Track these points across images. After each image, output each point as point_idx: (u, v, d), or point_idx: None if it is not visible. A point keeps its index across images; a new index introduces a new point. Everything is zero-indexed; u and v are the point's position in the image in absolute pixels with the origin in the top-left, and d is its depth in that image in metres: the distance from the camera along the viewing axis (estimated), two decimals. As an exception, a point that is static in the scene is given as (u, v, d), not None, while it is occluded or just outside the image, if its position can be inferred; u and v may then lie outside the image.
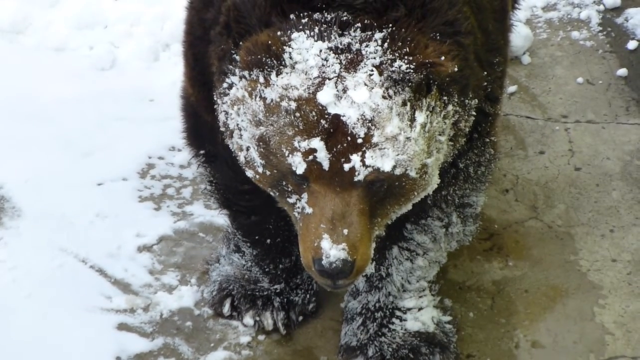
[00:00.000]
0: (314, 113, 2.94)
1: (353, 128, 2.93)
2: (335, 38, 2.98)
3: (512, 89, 5.61)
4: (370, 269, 3.76)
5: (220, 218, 4.39)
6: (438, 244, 3.80)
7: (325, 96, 2.92)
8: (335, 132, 2.94)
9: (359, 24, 3.00)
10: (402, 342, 3.89)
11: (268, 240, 3.96)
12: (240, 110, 3.10)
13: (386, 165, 2.98)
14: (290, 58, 2.98)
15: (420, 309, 3.95)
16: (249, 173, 3.23)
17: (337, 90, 2.93)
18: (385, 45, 2.97)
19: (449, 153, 3.28)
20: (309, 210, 3.10)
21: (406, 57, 2.95)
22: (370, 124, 2.93)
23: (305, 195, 3.10)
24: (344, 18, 3.01)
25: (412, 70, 2.94)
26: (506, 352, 4.02)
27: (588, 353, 4.01)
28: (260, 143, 3.07)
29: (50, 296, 4.16)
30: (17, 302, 4.12)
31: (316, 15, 3.02)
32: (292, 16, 3.02)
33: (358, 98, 2.92)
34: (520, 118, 5.40)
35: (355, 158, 2.96)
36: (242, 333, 4.09)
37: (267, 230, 3.94)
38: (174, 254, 4.47)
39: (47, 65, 5.75)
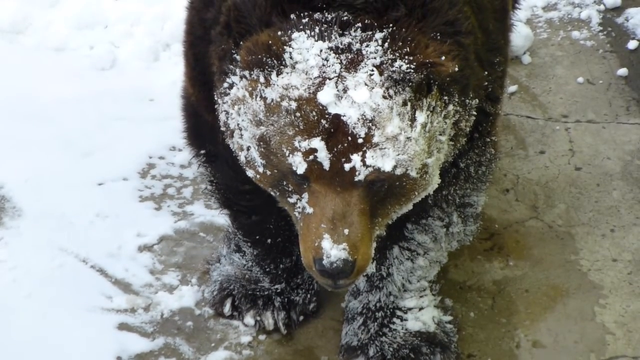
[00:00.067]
0: (314, 113, 2.94)
1: (353, 128, 2.93)
2: (336, 38, 2.98)
3: (512, 88, 5.61)
4: (371, 268, 3.77)
5: (220, 218, 4.39)
6: (439, 244, 3.80)
7: (325, 96, 2.92)
8: (336, 132, 2.94)
9: (359, 24, 2.99)
10: (403, 341, 3.89)
11: (269, 240, 3.96)
12: (240, 110, 3.10)
13: (387, 165, 2.97)
14: (291, 58, 2.98)
15: (421, 308, 3.95)
16: (250, 173, 3.23)
17: (338, 90, 2.93)
18: (386, 45, 2.97)
19: (449, 153, 3.28)
20: (309, 210, 3.10)
21: (407, 57, 2.95)
22: (370, 124, 2.93)
23: (305, 195, 3.10)
24: (345, 18, 3.01)
25: (412, 70, 2.94)
26: (507, 352, 4.02)
27: (589, 353, 4.01)
28: (261, 143, 3.07)
29: (50, 296, 4.16)
30: (18, 302, 4.12)
31: (317, 15, 3.02)
32: (292, 16, 3.02)
33: (358, 98, 2.92)
34: (520, 118, 5.40)
35: (356, 158, 2.96)
36: (243, 333, 4.09)
37: (267, 230, 3.94)
38: (175, 254, 4.47)
39: (47, 65, 5.75)
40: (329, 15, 3.01)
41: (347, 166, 2.97)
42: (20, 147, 5.01)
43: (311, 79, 2.95)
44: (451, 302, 4.14)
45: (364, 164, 2.96)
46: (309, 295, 4.13)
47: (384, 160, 2.97)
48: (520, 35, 5.76)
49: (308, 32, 2.99)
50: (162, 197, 4.81)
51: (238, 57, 3.06)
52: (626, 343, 4.04)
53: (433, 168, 3.14)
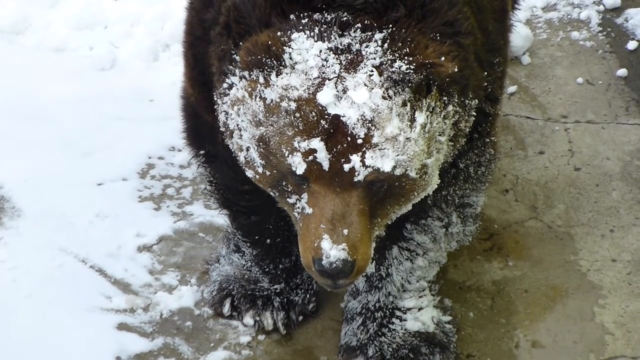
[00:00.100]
0: (313, 113, 2.94)
1: (353, 128, 2.94)
2: (335, 38, 2.99)
3: (512, 89, 5.61)
4: (370, 268, 3.77)
5: (220, 218, 4.39)
6: (438, 244, 3.80)
7: (325, 97, 2.92)
8: (335, 132, 2.94)
9: (359, 25, 3.00)
10: (402, 342, 3.89)
11: (268, 240, 3.96)
12: (240, 111, 3.10)
13: (386, 166, 2.98)
14: (290, 58, 2.98)
15: (420, 308, 3.96)
16: (249, 173, 3.23)
17: (337, 91, 2.93)
18: (385, 45, 2.97)
19: (449, 153, 3.28)
20: (309, 210, 3.10)
21: (406, 58, 2.96)
22: (370, 125, 2.94)
23: (305, 196, 3.10)
24: (344, 18, 3.01)
25: (412, 71, 2.94)
26: (506, 352, 4.03)
27: (588, 353, 4.01)
28: (260, 143, 3.07)
29: (50, 296, 4.16)
30: (17, 302, 4.12)
31: (316, 16, 3.02)
32: (292, 16, 3.02)
33: (358, 98, 2.92)
34: (520, 118, 5.41)
35: (355, 158, 2.96)
36: (242, 333, 4.09)
37: (267, 230, 3.94)
38: (174, 254, 4.48)
39: (47, 65, 5.75)
40: (329, 16, 3.01)
41: (346, 167, 2.97)
42: (20, 147, 5.01)
43: (311, 79, 2.95)
44: (450, 302, 4.14)
45: (364, 165, 2.97)
46: (308, 296, 4.13)
47: (383, 161, 2.97)
48: (519, 36, 5.76)
49: (307, 32, 2.99)
50: (162, 197, 4.82)
51: (237, 58, 3.06)
52: (625, 343, 4.04)
53: (432, 168, 3.15)
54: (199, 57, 3.42)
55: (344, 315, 4.05)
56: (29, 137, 5.08)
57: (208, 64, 3.32)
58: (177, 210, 4.74)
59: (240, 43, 3.07)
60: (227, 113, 3.17)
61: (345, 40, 2.98)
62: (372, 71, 2.94)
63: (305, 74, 2.96)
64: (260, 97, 3.02)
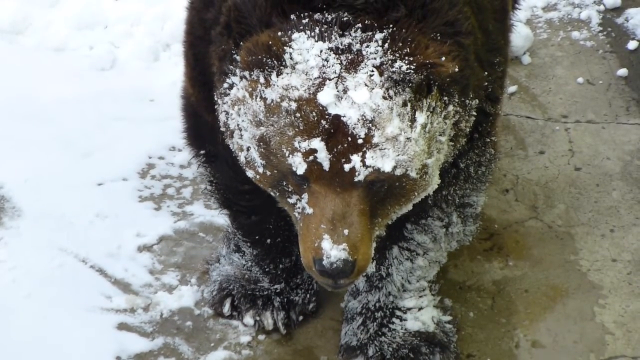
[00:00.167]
0: (314, 113, 2.94)
1: (353, 128, 2.93)
2: (336, 38, 2.98)
3: (512, 89, 5.61)
4: (370, 268, 3.77)
5: (220, 218, 4.39)
6: (438, 244, 3.80)
7: (325, 97, 2.92)
8: (336, 132, 2.94)
9: (359, 25, 3.00)
10: (402, 341, 3.89)
11: (268, 240, 3.96)
12: (240, 111, 3.10)
13: (386, 166, 2.98)
14: (291, 58, 2.98)
15: (420, 308, 3.96)
16: (250, 173, 3.23)
17: (338, 91, 2.93)
18: (386, 45, 2.97)
19: (449, 153, 3.28)
20: (309, 210, 3.10)
21: (407, 58, 2.96)
22: (370, 125, 2.93)
23: (305, 196, 3.10)
24: (345, 18, 3.01)
25: (412, 71, 2.94)
26: (506, 352, 4.03)
27: (588, 353, 4.01)
28: (261, 143, 3.07)
29: (50, 296, 4.16)
30: (17, 302, 4.12)
31: (317, 16, 3.02)
32: (292, 16, 3.02)
33: (358, 98, 2.92)
34: (520, 118, 5.41)
35: (356, 158, 2.96)
36: (243, 333, 4.09)
37: (267, 230, 3.94)
38: (174, 254, 4.47)
39: (47, 65, 5.75)
40: (329, 16, 3.01)
41: (347, 167, 2.97)
42: (20, 147, 5.01)
43: (311, 79, 2.95)
44: (450, 302, 4.14)
45: (364, 165, 2.96)
46: (308, 295, 4.13)
47: (383, 161, 2.97)
48: (520, 36, 5.76)
49: (308, 32, 2.99)
50: (162, 197, 4.82)
51: (238, 58, 3.06)
52: (625, 343, 4.04)
53: (433, 168, 3.14)
54: (200, 57, 3.42)
55: (344, 315, 4.05)
56: (29, 137, 5.08)
57: (208, 64, 3.32)
58: (178, 210, 4.74)
59: (241, 43, 3.07)
60: (227, 113, 3.17)
61: (346, 40, 2.98)
62: (372, 71, 2.94)
63: (306, 74, 2.96)
64: (261, 97, 3.02)
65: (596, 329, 4.10)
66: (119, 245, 4.48)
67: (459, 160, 3.54)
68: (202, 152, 3.82)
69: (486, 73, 3.39)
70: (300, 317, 4.12)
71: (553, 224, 4.65)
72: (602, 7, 6.30)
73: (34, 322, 4.04)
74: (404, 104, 2.97)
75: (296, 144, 2.97)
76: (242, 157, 3.21)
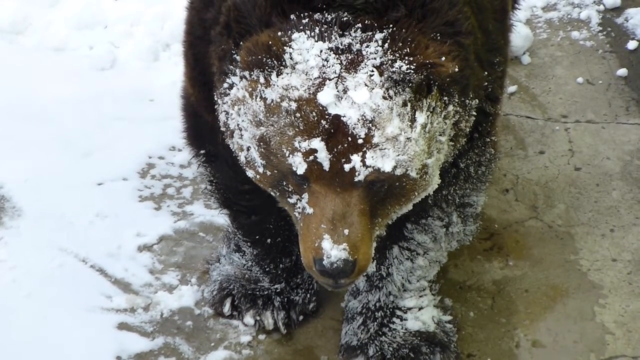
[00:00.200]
0: (314, 113, 2.94)
1: (353, 128, 2.93)
2: (336, 38, 2.98)
3: (512, 88, 5.61)
4: (371, 268, 3.77)
5: (220, 218, 4.39)
6: (438, 244, 3.80)
7: (325, 97, 2.92)
8: (336, 132, 2.94)
9: (359, 25, 3.00)
10: (402, 341, 3.89)
11: (268, 240, 3.96)
12: (240, 111, 3.10)
13: (387, 166, 2.98)
14: (291, 58, 2.98)
15: (420, 308, 3.96)
16: (250, 173, 3.23)
17: (338, 91, 2.93)
18: (386, 45, 2.97)
19: (449, 153, 3.28)
20: (309, 210, 3.10)
21: (407, 58, 2.96)
22: (370, 125, 2.93)
23: (305, 196, 3.10)
24: (345, 18, 3.01)
25: (412, 71, 2.94)
26: (507, 352, 4.03)
27: (588, 352, 4.01)
28: (261, 143, 3.07)
29: (50, 296, 4.16)
30: (17, 302, 4.12)
31: (317, 16, 3.02)
32: (292, 16, 3.02)
33: (358, 98, 2.92)
34: (520, 118, 5.41)
35: (356, 158, 2.96)
36: (243, 332, 4.09)
37: (267, 229, 3.94)
38: (174, 254, 4.48)
39: (47, 65, 5.75)
40: (329, 16, 3.01)
41: (347, 167, 2.97)
42: (19, 147, 5.01)
43: (311, 79, 2.95)
44: (451, 302, 4.15)
45: (364, 165, 2.96)
46: (308, 295, 4.13)
47: (383, 161, 2.97)
48: (519, 36, 5.76)
49: (308, 32, 2.99)
50: (162, 197, 4.82)
51: (238, 58, 3.06)
52: (626, 343, 4.04)
53: (433, 168, 3.14)
54: (200, 57, 3.42)
55: (345, 314, 4.05)
56: (29, 137, 5.08)
57: (208, 64, 3.32)
58: (178, 209, 4.74)
59: (241, 43, 3.07)
60: (227, 113, 3.17)
61: (346, 40, 2.98)
62: (372, 71, 2.94)
63: (306, 74, 2.96)
64: (261, 97, 3.02)
65: (596, 329, 4.10)
66: (119, 245, 4.48)
67: (459, 160, 3.54)
68: (202, 152, 3.82)
69: (486, 73, 3.39)
70: (301, 317, 4.13)
71: (553, 224, 4.65)
72: (601, 7, 6.31)
73: (34, 322, 4.04)
74: (404, 104, 2.97)
75: (296, 144, 2.97)
76: (242, 157, 3.21)
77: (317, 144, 2.95)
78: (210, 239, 4.55)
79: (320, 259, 3.06)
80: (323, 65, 2.95)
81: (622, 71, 5.71)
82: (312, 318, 4.15)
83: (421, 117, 3.00)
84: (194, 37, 3.48)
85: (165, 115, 5.07)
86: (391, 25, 3.00)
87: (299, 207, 3.15)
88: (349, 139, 2.94)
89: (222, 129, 3.27)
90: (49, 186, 4.77)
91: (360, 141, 2.94)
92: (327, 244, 3.04)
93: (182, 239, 4.56)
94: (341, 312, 4.10)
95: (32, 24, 6.10)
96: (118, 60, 5.85)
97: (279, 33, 3.00)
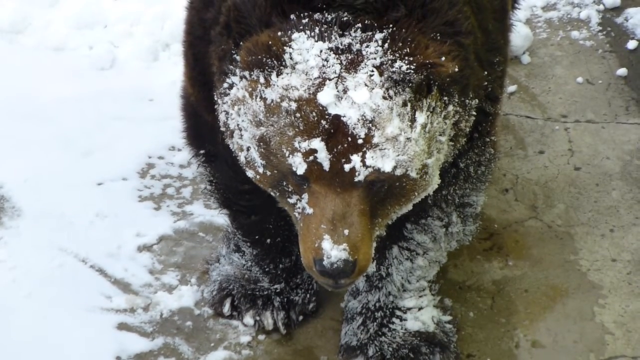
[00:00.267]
0: (314, 113, 2.94)
1: (353, 128, 2.93)
2: (336, 38, 2.98)
3: (511, 88, 5.61)
4: (371, 268, 3.77)
5: (220, 218, 4.39)
6: (438, 244, 3.80)
7: (325, 97, 2.92)
8: (336, 132, 2.94)
9: (359, 25, 2.99)
10: (402, 341, 3.89)
11: (268, 240, 3.96)
12: (240, 111, 3.10)
13: (387, 166, 2.98)
14: (291, 58, 2.98)
15: (420, 308, 3.96)
16: (250, 173, 3.23)
17: (338, 91, 2.93)
18: (386, 45, 2.97)
19: (449, 153, 3.28)
20: (309, 210, 3.10)
21: (407, 58, 2.95)
22: (370, 125, 2.93)
23: (305, 196, 3.10)
24: (345, 18, 3.00)
25: (412, 71, 2.94)
26: (506, 352, 4.03)
27: (588, 353, 4.01)
28: (261, 143, 3.07)
29: (50, 296, 4.16)
30: (17, 302, 4.12)
31: (317, 16, 3.02)
32: (292, 16, 3.02)
33: (358, 99, 2.92)
34: (520, 118, 5.41)
35: (356, 158, 2.96)
36: (242, 333, 4.09)
37: (267, 230, 3.94)
38: (174, 254, 4.47)
39: (47, 65, 5.75)
40: (329, 16, 3.01)
41: (347, 167, 2.97)
42: (19, 146, 5.01)
43: (311, 79, 2.95)
44: (450, 302, 4.15)
45: (364, 165, 2.96)
46: (308, 295, 4.13)
47: (383, 161, 2.97)
48: (519, 35, 5.76)
49: (308, 32, 2.98)
50: (162, 197, 4.82)
51: (238, 58, 3.06)
52: (625, 343, 4.04)
53: (433, 168, 3.14)
54: (199, 57, 3.42)
55: (344, 315, 4.05)
56: (29, 136, 5.08)
57: (208, 64, 3.32)
58: (177, 209, 4.74)
59: (241, 43, 3.06)
60: (227, 113, 3.17)
61: (346, 40, 2.98)
62: (372, 71, 2.94)
63: (306, 74, 2.95)
64: (261, 97, 3.02)
65: (596, 329, 4.10)
66: (119, 245, 4.48)
67: (459, 160, 3.54)
68: (201, 151, 3.82)
69: (486, 73, 3.39)
70: (300, 317, 4.12)
71: (553, 224, 4.65)
72: (601, 7, 6.30)
73: (34, 322, 4.03)
74: (404, 104, 2.97)
75: (296, 144, 2.97)
76: (242, 157, 3.21)
77: (317, 144, 2.95)
78: (210, 239, 4.55)
79: (321, 259, 3.06)
80: (323, 65, 2.95)
81: (622, 71, 5.71)
82: (312, 318, 4.15)
83: (421, 117, 3.00)
84: (194, 37, 3.48)
85: (165, 115, 5.07)
86: (391, 25, 3.00)
87: (299, 207, 3.15)
88: (349, 139, 2.94)
89: (222, 129, 3.27)
90: (48, 186, 4.77)
91: (360, 141, 2.94)
92: (327, 244, 3.04)
93: (181, 239, 4.55)
94: (341, 312, 4.10)
95: (32, 24, 6.10)
96: (118, 60, 5.85)
97: (279, 33, 3.00)
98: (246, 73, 3.04)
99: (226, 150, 3.38)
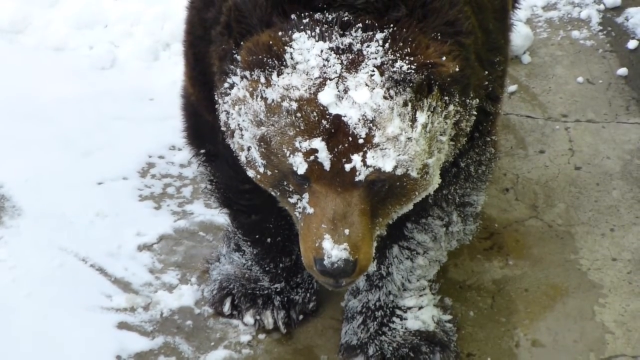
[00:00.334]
0: (315, 113, 2.94)
1: (354, 128, 2.93)
2: (337, 38, 2.98)
3: (512, 88, 5.62)
4: (371, 267, 3.77)
5: (220, 217, 4.39)
6: (438, 243, 3.80)
7: (326, 96, 2.92)
8: (337, 132, 2.94)
9: (360, 24, 2.99)
10: (402, 341, 3.90)
11: (268, 239, 3.96)
12: (241, 110, 3.10)
13: (387, 166, 2.98)
14: (292, 58, 2.98)
15: (420, 307, 3.96)
16: (250, 173, 3.23)
17: (338, 91, 2.93)
18: (387, 45, 2.97)
19: (450, 153, 3.28)
20: (310, 210, 3.10)
21: (407, 58, 2.95)
22: (371, 125, 2.93)
23: (306, 195, 3.10)
24: (345, 18, 3.00)
25: (413, 71, 2.94)
26: (506, 351, 4.03)
27: (588, 352, 4.01)
28: (262, 143, 3.07)
29: (50, 295, 4.16)
30: (17, 302, 4.12)
31: (317, 16, 3.01)
32: (293, 16, 3.02)
33: (359, 98, 2.92)
34: (520, 117, 5.41)
35: (357, 158, 2.96)
36: (243, 332, 4.09)
37: (267, 229, 3.94)
38: (174, 253, 4.48)
39: (47, 65, 5.75)
40: (330, 16, 3.01)
41: (347, 166, 2.97)
42: (20, 146, 5.01)
43: (312, 79, 2.95)
44: (451, 301, 4.15)
45: (365, 164, 2.96)
46: (308, 295, 4.13)
47: (384, 161, 2.97)
48: (520, 35, 5.77)
49: (309, 32, 2.98)
50: (162, 196, 4.82)
51: (239, 58, 3.06)
52: (626, 342, 4.04)
53: (434, 168, 3.14)
54: (200, 57, 3.42)
55: (345, 314, 4.05)
56: (29, 136, 5.08)
57: (209, 64, 3.32)
58: (178, 209, 4.74)
59: (242, 43, 3.06)
60: (228, 113, 3.17)
61: (347, 40, 2.98)
62: (373, 71, 2.94)
63: (307, 74, 2.95)
64: (262, 97, 3.02)
65: (596, 328, 4.11)
66: (119, 245, 4.48)
67: (460, 159, 3.54)
68: (202, 151, 3.82)
69: (486, 72, 3.39)
70: (301, 316, 4.13)
71: (553, 223, 4.65)
72: (602, 6, 6.31)
73: (34, 321, 4.04)
74: (405, 104, 2.97)
75: (297, 144, 2.97)
76: (242, 156, 3.21)
77: (318, 143, 2.95)
78: (210, 238, 4.55)
79: (321, 258, 3.06)
80: (324, 65, 2.95)
81: (623, 70, 5.72)
82: (312, 317, 4.15)
83: (422, 117, 3.00)
84: (195, 37, 3.48)
85: (165, 115, 5.07)
86: (392, 25, 3.00)
87: (300, 207, 3.15)
88: (350, 138, 2.94)
89: (223, 128, 3.27)
90: (49, 185, 4.77)
91: (361, 141, 2.94)
92: (327, 243, 3.04)
93: (182, 238, 4.56)
94: (341, 311, 4.10)
95: (32, 24, 6.10)
96: (118, 60, 5.85)
97: (280, 33, 3.00)
98: (247, 73, 3.04)
99: (227, 150, 3.38)
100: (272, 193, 3.26)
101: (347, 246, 3.04)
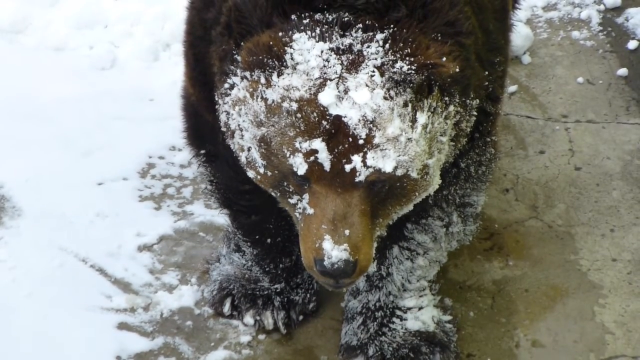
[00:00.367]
0: (315, 114, 2.94)
1: (354, 129, 2.93)
2: (337, 39, 2.98)
3: (512, 88, 5.62)
4: (371, 268, 3.77)
5: (220, 217, 4.39)
6: (438, 244, 3.80)
7: (326, 97, 2.92)
8: (337, 133, 2.94)
9: (360, 25, 2.99)
10: (402, 341, 3.90)
11: (268, 240, 3.96)
12: (241, 111, 3.10)
13: (387, 166, 2.98)
14: (292, 59, 2.97)
15: (420, 308, 3.96)
16: (250, 173, 3.23)
17: (339, 91, 2.93)
18: (387, 46, 2.97)
19: (450, 153, 3.28)
20: (310, 210, 3.10)
21: (407, 58, 2.95)
22: (371, 125, 2.93)
23: (306, 196, 3.10)
24: (346, 19, 3.00)
25: (413, 71, 2.94)
26: (506, 352, 4.03)
27: (588, 352, 4.01)
28: (262, 144, 3.07)
29: (50, 296, 4.16)
30: (17, 302, 4.12)
31: (317, 16, 3.01)
32: (293, 17, 3.02)
33: (359, 99, 2.92)
34: (520, 118, 5.41)
35: (357, 159, 2.95)
36: (243, 332, 4.09)
37: (267, 229, 3.94)
38: (174, 254, 4.47)
39: (47, 65, 5.75)
40: (330, 16, 3.01)
41: (347, 167, 2.97)
42: (20, 146, 5.01)
43: (312, 80, 2.95)
44: (451, 302, 4.15)
45: (365, 165, 2.96)
46: (308, 295, 4.13)
47: (384, 161, 2.97)
48: (520, 35, 5.76)
49: (309, 33, 2.98)
50: (162, 196, 4.82)
51: (239, 58, 3.06)
52: (626, 343, 4.04)
53: (434, 169, 3.14)
54: (200, 57, 3.42)
55: (345, 314, 4.05)
56: (29, 136, 5.08)
57: (209, 64, 3.32)
58: (178, 209, 4.74)
59: (242, 43, 3.06)
60: (228, 113, 3.17)
61: (347, 41, 2.98)
62: (373, 72, 2.94)
63: (307, 75, 2.95)
64: (262, 97, 3.02)
65: (596, 329, 4.11)
66: (119, 245, 4.48)
67: (460, 159, 3.54)
68: (202, 151, 3.82)
69: (487, 73, 3.39)
70: (301, 317, 4.13)
71: (553, 224, 4.65)
72: (602, 7, 6.31)
73: (34, 321, 4.03)
74: (405, 105, 2.97)
75: (297, 145, 2.97)
76: (242, 157, 3.21)
77: (318, 144, 2.95)
78: (211, 239, 4.55)
79: (321, 259, 3.06)
80: (324, 66, 2.95)
81: (623, 71, 5.72)
82: (312, 318, 4.15)
83: (422, 118, 3.00)
84: (195, 37, 3.48)
85: (166, 115, 5.07)
86: (392, 26, 3.00)
87: (300, 208, 3.15)
88: (350, 139, 2.94)
89: (223, 129, 3.27)
90: (49, 186, 4.77)
91: (361, 142, 2.94)
92: (327, 244, 3.04)
93: (182, 239, 4.56)
94: (341, 312, 4.10)
95: (32, 24, 6.10)
96: (118, 60, 5.85)
97: (280, 33, 3.00)
98: (247, 73, 3.04)
99: (227, 150, 3.38)
100: (272, 194, 3.26)
101: (347, 247, 3.04)
